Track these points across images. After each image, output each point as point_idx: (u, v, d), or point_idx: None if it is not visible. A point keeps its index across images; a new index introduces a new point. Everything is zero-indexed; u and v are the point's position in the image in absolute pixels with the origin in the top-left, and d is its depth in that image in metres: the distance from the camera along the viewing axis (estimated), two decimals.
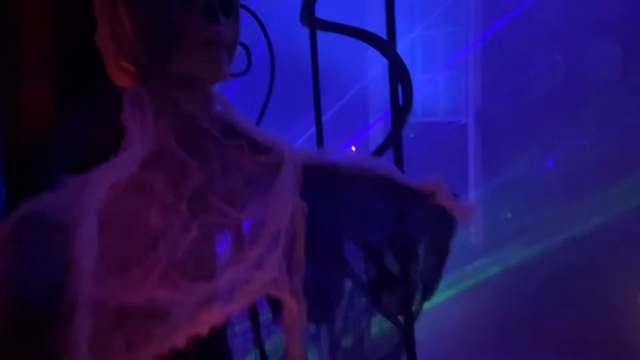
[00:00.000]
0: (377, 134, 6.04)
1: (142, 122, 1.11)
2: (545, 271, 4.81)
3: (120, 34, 1.15)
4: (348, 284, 1.30)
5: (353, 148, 6.14)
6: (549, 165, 5.29)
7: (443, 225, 1.34)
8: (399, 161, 1.91)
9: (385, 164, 1.32)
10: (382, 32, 1.87)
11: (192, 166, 1.13)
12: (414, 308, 1.34)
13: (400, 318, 1.39)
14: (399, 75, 1.87)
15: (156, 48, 1.14)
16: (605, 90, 5.00)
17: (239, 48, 1.28)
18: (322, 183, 1.26)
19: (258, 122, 1.64)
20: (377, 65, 5.53)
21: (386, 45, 1.86)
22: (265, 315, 1.24)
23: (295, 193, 1.18)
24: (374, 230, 1.31)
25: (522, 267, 5.01)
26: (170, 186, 1.11)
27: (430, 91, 6.18)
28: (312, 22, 1.77)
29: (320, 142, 1.94)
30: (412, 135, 5.97)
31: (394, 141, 1.89)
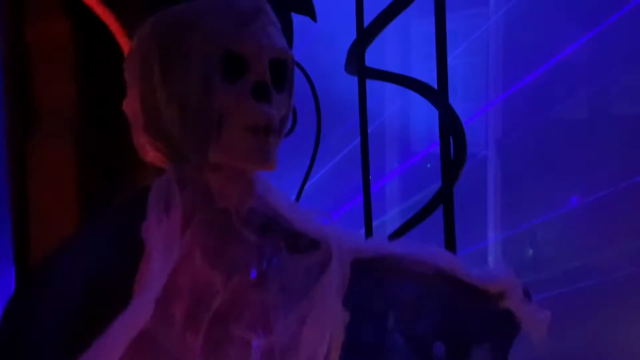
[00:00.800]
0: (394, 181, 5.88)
1: (168, 231, 0.94)
2: (560, 315, 4.64)
3: (152, 108, 0.98)
4: None
5: None
6: (572, 202, 5.15)
7: (507, 328, 1.16)
8: (449, 217, 1.78)
9: (447, 257, 1.14)
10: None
11: (216, 285, 0.97)
12: None
13: None
14: (450, 127, 1.74)
15: (193, 132, 0.97)
16: (630, 125, 4.87)
17: None
18: (371, 278, 1.10)
19: (299, 195, 1.50)
20: (395, 102, 5.41)
21: (437, 95, 1.74)
22: None
23: (338, 302, 1.03)
24: (424, 327, 1.15)
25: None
26: (186, 320, 0.95)
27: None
28: (361, 71, 1.64)
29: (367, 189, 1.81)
30: (429, 165, 5.84)
31: (444, 197, 1.76)
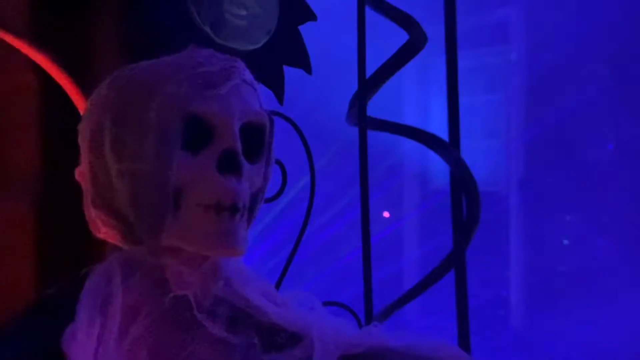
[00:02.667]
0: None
1: (100, 337, 0.80)
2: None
3: (103, 180, 0.86)
4: None
5: (387, 214, 5.87)
6: (597, 244, 4.96)
7: None
8: (461, 283, 1.63)
9: (453, 353, 0.98)
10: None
11: None
12: None
13: None
14: (462, 183, 1.60)
15: (145, 211, 0.84)
16: None
17: None
18: None
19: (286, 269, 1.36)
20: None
21: (447, 149, 1.60)
22: None
23: None
24: None
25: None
26: None
27: (469, 158, 5.88)
28: (363, 121, 1.51)
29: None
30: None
31: (455, 261, 1.61)
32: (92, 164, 0.87)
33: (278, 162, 1.27)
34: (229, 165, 0.85)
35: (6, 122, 1.20)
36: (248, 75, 0.90)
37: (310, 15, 1.32)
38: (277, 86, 1.25)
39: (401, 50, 1.47)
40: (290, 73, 1.38)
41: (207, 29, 1.16)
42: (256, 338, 0.87)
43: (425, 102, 5.36)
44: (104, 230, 0.89)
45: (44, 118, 1.18)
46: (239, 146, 0.86)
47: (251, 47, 1.22)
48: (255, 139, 0.89)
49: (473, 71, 5.50)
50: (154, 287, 0.85)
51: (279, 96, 1.26)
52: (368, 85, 1.48)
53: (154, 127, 0.84)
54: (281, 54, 1.26)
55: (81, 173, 0.89)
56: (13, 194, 1.18)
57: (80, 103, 1.07)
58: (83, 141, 0.89)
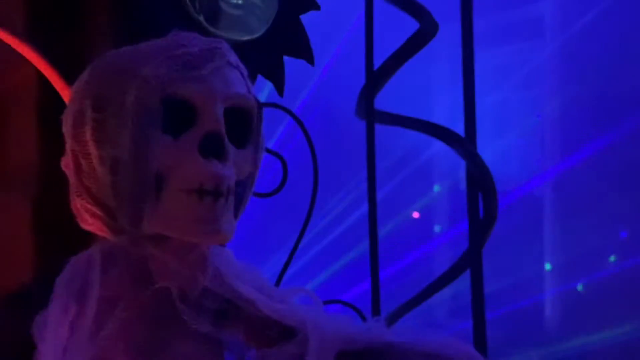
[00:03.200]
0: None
1: (74, 326, 0.77)
2: None
3: (86, 168, 0.84)
4: None
5: (417, 214, 5.79)
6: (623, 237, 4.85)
7: None
8: (477, 283, 1.57)
9: (461, 349, 0.91)
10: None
11: None
12: None
13: None
14: (479, 180, 1.54)
15: (126, 197, 0.81)
16: None
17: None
18: None
19: (283, 273, 1.32)
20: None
21: (464, 144, 1.53)
22: None
23: None
24: None
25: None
26: None
27: (501, 157, 5.79)
28: (370, 115, 1.45)
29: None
30: None
31: (471, 261, 1.55)
32: (75, 152, 0.85)
33: (278, 156, 1.23)
34: (212, 148, 0.81)
35: (5, 119, 1.19)
36: (233, 58, 0.87)
37: (313, 5, 1.27)
38: (276, 78, 1.21)
39: (411, 40, 1.41)
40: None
41: (201, 19, 1.12)
42: (245, 333, 0.83)
43: (456, 99, 5.27)
44: (90, 221, 0.86)
45: (42, 115, 1.17)
46: (222, 128, 0.82)
47: (248, 37, 1.18)
48: (241, 123, 0.85)
49: (505, 66, 5.41)
50: (135, 279, 0.82)
51: (279, 88, 1.21)
52: (377, 77, 1.42)
53: (132, 110, 0.81)
54: (281, 44, 1.22)
55: (67, 163, 0.87)
56: (11, 191, 1.18)
57: (65, 95, 1.05)
58: (66, 130, 0.87)
